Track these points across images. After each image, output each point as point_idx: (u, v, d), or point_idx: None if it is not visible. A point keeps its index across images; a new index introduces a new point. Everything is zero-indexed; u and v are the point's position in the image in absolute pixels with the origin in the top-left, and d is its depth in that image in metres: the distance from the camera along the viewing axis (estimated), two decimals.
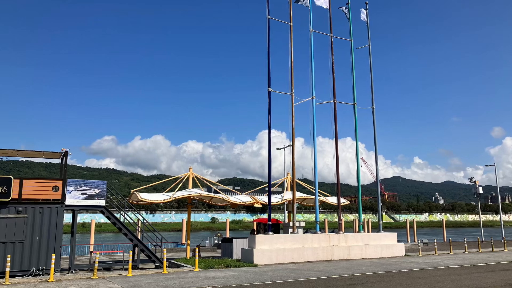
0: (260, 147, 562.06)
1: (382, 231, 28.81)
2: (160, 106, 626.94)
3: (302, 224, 27.93)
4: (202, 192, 28.68)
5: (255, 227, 37.07)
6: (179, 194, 27.85)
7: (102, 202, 23.34)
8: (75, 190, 22.70)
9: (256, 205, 30.02)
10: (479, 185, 51.61)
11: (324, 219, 61.51)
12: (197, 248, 23.94)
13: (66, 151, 23.04)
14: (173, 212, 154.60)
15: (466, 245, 32.64)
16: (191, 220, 34.02)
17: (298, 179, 29.89)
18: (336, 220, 29.48)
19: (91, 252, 28.36)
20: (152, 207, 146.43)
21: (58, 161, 25.31)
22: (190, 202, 30.49)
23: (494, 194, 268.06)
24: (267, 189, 27.10)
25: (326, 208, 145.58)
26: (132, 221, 26.13)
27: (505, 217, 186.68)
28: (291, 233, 25.42)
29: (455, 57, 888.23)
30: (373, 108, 30.73)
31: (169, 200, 27.48)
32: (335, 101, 28.99)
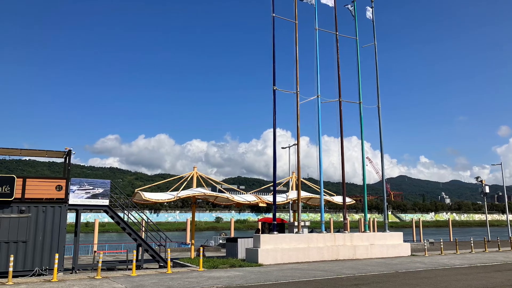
0: (265, 146, 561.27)
1: (387, 231, 28.55)
2: (164, 105, 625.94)
3: (308, 223, 27.75)
4: (207, 191, 28.53)
5: (260, 227, 36.89)
6: (183, 194, 27.69)
7: (106, 202, 23.18)
8: (78, 190, 22.58)
9: (261, 204, 29.84)
10: (485, 184, 51.20)
11: (330, 219, 61.25)
12: (201, 248, 23.78)
13: (70, 150, 22.91)
14: (177, 211, 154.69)
15: (472, 244, 32.32)
16: (196, 219, 33.90)
17: (303, 178, 29.65)
18: (342, 219, 29.25)
19: (95, 251, 28.27)
20: (156, 207, 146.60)
21: (62, 160, 25.21)
22: (194, 202, 30.35)
23: (500, 194, 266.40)
24: (272, 188, 26.89)
25: (332, 207, 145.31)
26: (136, 221, 26.00)
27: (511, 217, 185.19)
28: (296, 232, 25.22)
29: (461, 56, 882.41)
30: (378, 107, 30.44)
31: (173, 199, 27.32)
32: (341, 99, 28.74)
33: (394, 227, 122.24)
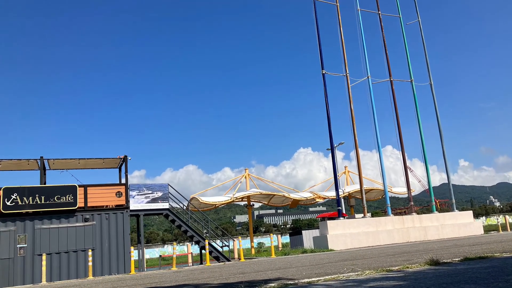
0: (294, 167, 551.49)
1: (456, 210, 27.20)
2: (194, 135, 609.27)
3: (369, 214, 26.85)
4: (263, 190, 28.11)
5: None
6: (239, 194, 27.34)
7: (165, 205, 23.07)
8: (138, 195, 22.54)
9: (318, 200, 29.09)
10: None
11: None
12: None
13: (125, 156, 23.04)
14: None
15: None
16: None
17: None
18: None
19: None
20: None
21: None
22: (249, 204, 29.86)
23: None
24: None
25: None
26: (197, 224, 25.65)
27: None
28: (362, 217, 24.27)
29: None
30: (431, 84, 28.99)
31: (229, 201, 26.99)
32: (392, 79, 27.99)
33: None
